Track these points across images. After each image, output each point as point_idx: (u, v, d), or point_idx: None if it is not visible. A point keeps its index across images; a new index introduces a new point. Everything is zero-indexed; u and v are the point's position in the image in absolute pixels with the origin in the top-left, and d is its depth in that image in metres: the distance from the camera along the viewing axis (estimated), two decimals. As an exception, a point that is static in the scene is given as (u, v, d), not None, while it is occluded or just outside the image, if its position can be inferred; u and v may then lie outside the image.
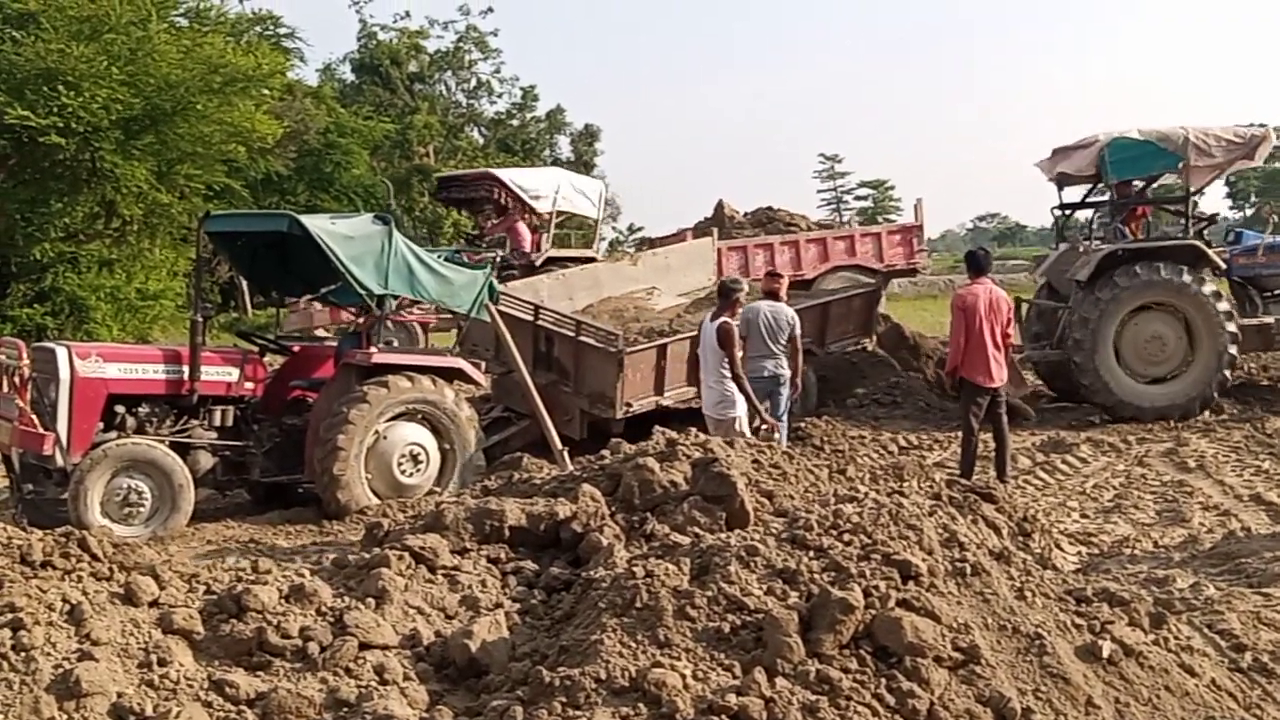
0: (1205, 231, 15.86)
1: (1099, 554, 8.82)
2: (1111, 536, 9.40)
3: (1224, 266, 15.05)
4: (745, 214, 27.37)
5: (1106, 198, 15.88)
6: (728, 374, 10.11)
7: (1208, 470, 11.65)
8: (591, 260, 20.01)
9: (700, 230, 25.16)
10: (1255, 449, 12.59)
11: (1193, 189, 15.32)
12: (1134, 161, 15.12)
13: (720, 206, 27.82)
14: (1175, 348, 14.50)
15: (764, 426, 10.14)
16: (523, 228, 22.51)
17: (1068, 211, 17.01)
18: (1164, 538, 9.27)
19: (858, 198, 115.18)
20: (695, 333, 13.32)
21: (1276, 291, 15.50)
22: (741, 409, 10.12)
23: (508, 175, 22.37)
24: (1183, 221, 15.75)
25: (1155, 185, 17.00)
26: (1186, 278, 14.25)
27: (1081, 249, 15.21)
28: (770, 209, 27.07)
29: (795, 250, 22.54)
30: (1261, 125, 17.76)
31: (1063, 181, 16.09)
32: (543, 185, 20.98)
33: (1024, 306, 15.90)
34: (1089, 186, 16.28)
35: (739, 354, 10.16)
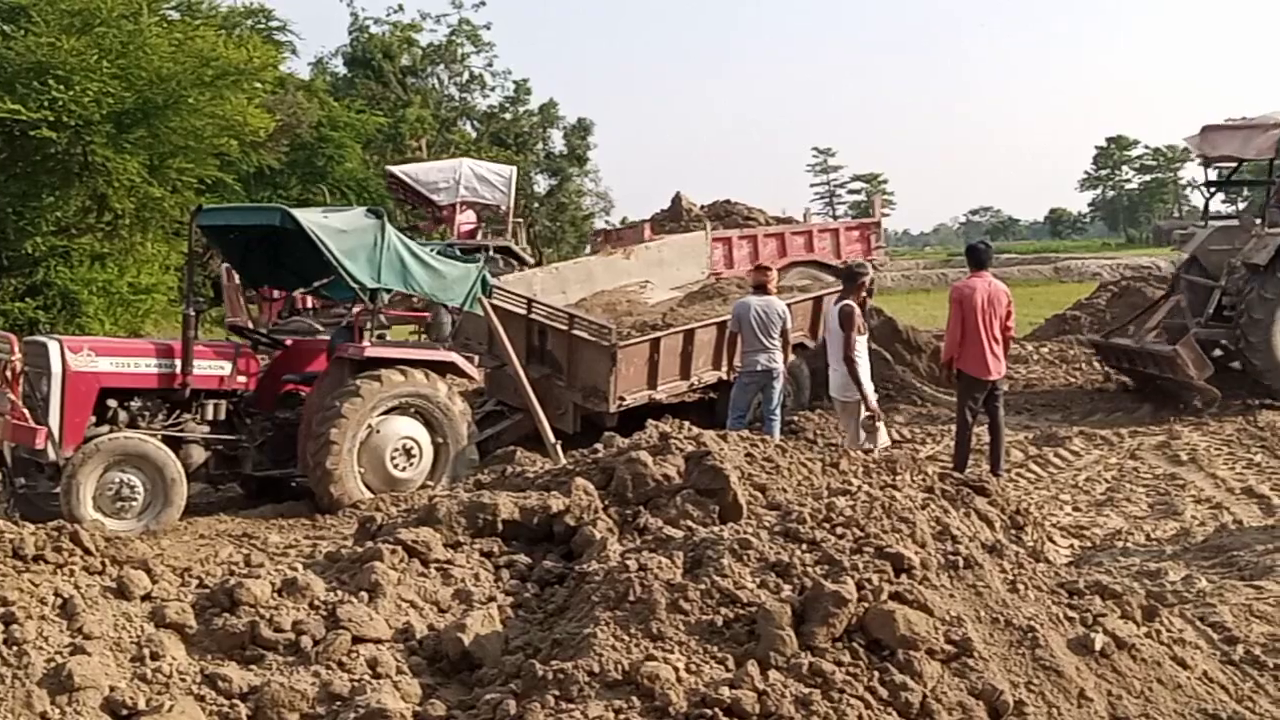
0: None
1: (1091, 547, 8.84)
2: (1104, 529, 9.42)
3: None
4: (703, 206, 27.08)
5: (1269, 178, 15.83)
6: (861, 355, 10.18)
7: (1200, 463, 11.67)
8: (506, 249, 19.63)
9: (657, 223, 25.00)
10: (1247, 442, 12.62)
11: None
12: None
13: (678, 199, 27.60)
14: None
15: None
16: (462, 220, 22.35)
17: (1215, 190, 16.97)
18: (1156, 531, 9.30)
19: (851, 191, 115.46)
20: (688, 326, 13.38)
21: None
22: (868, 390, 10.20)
23: (404, 171, 21.91)
24: None
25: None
26: None
27: (1254, 231, 15.12)
28: (728, 202, 26.73)
29: (753, 245, 22.21)
30: None
31: (1215, 160, 16.08)
32: (441, 178, 20.44)
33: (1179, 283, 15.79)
34: (1233, 166, 16.27)
35: (862, 337, 10.22)
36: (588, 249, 24.47)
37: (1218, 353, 15.01)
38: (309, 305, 18.21)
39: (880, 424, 10.37)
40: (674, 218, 25.60)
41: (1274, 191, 15.84)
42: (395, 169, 21.82)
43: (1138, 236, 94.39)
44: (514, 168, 21.77)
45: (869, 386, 10.25)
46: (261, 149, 30.71)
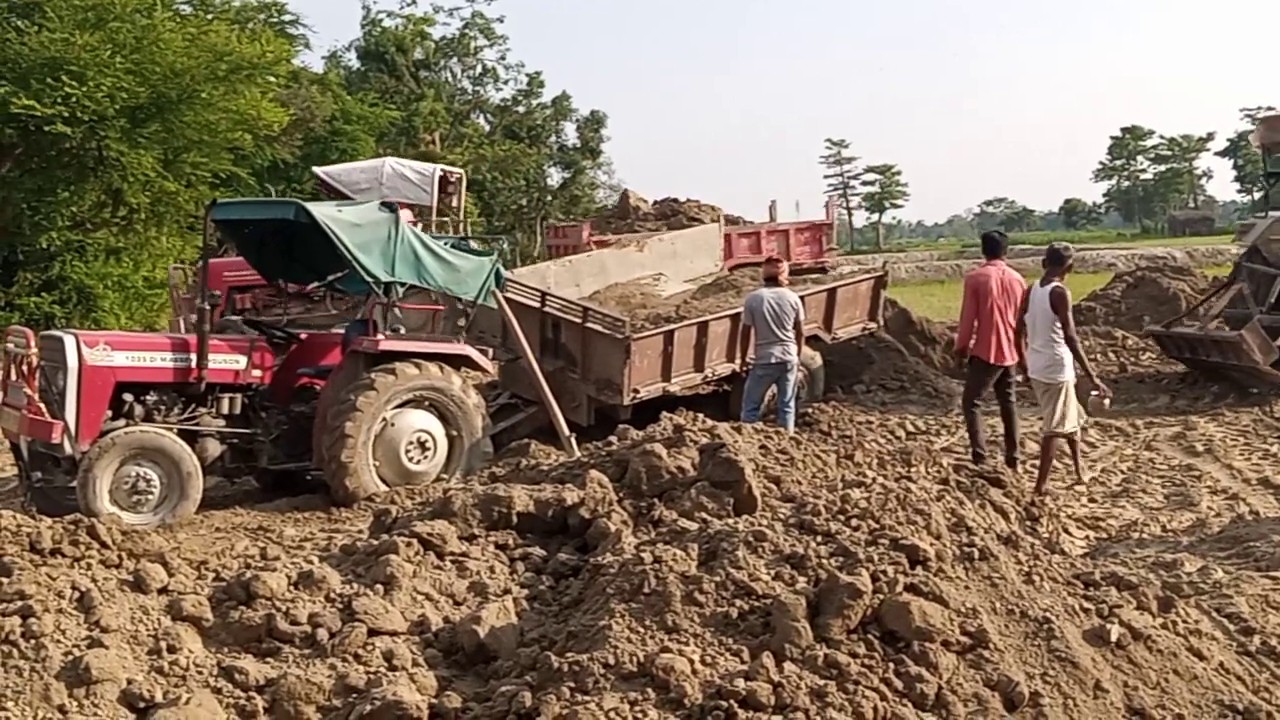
0: None
1: (1107, 538, 8.82)
2: (1119, 521, 9.40)
3: None
4: (655, 203, 26.81)
5: None
6: (1059, 338, 10.21)
7: (1216, 454, 11.63)
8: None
9: (602, 222, 24.84)
10: (1264, 433, 12.57)
11: None
12: None
13: (625, 197, 27.43)
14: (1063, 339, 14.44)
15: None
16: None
17: (1276, 180, 16.94)
18: (1172, 522, 9.27)
19: (864, 183, 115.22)
20: (702, 318, 13.38)
21: None
22: (1070, 374, 10.27)
23: (328, 172, 21.58)
24: None
25: None
26: None
27: None
28: (675, 201, 26.45)
29: None
30: None
31: (1274, 149, 16.04)
32: (364, 177, 20.09)
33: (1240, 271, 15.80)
34: None
35: (1069, 316, 10.29)
36: (539, 240, 24.26)
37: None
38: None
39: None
40: (621, 215, 25.43)
41: None
42: (320, 170, 21.50)
43: (1153, 227, 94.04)
44: (437, 166, 21.20)
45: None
46: (275, 143, 30.78)
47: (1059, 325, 10.19)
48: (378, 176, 19.20)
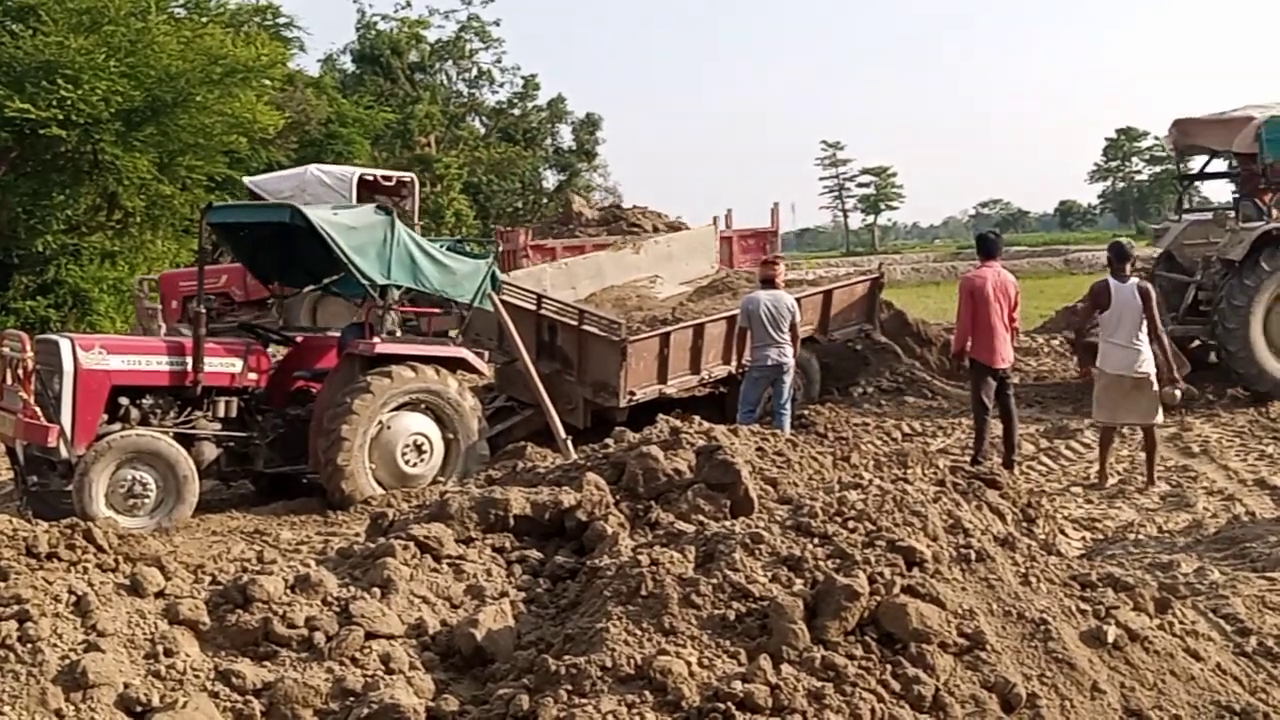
0: None
1: (1103, 539, 8.82)
2: (1116, 522, 9.40)
3: None
4: (600, 209, 26.65)
5: (1236, 172, 15.76)
6: (1144, 333, 10.42)
7: (1212, 455, 11.64)
8: None
9: (545, 228, 24.71)
10: (1259, 434, 12.58)
11: None
12: None
13: (568, 203, 27.43)
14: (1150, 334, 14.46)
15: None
16: None
17: (1188, 183, 16.92)
18: (1168, 523, 9.27)
19: (860, 185, 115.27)
20: (698, 320, 13.38)
21: None
22: (1151, 366, 10.47)
23: (254, 182, 21.36)
24: None
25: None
26: None
27: (1228, 226, 15.06)
28: (617, 207, 26.32)
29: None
30: None
31: (1187, 153, 16.00)
32: (288, 185, 19.84)
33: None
34: (1205, 158, 16.19)
35: (1156, 312, 10.49)
36: (492, 238, 24.07)
37: (1195, 344, 15.03)
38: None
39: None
40: (564, 221, 25.37)
41: (1246, 185, 15.77)
42: (249, 180, 21.37)
43: (1148, 228, 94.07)
44: (357, 170, 20.97)
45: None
46: (271, 146, 30.76)
47: (1147, 321, 10.38)
48: (300, 184, 19.03)
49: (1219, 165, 16.49)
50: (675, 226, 24.08)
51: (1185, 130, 15.72)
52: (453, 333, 11.49)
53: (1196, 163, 17.19)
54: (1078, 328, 10.72)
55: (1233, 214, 15.34)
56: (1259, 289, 13.96)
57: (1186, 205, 17.45)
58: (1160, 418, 10.72)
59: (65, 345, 9.63)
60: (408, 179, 21.30)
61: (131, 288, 23.17)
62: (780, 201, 25.45)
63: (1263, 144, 14.78)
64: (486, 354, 11.82)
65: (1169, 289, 15.28)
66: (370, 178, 20.05)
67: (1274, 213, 15.03)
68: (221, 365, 10.20)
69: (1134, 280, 10.58)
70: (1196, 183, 17.78)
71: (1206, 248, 14.96)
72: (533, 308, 13.02)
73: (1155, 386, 10.52)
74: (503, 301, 11.88)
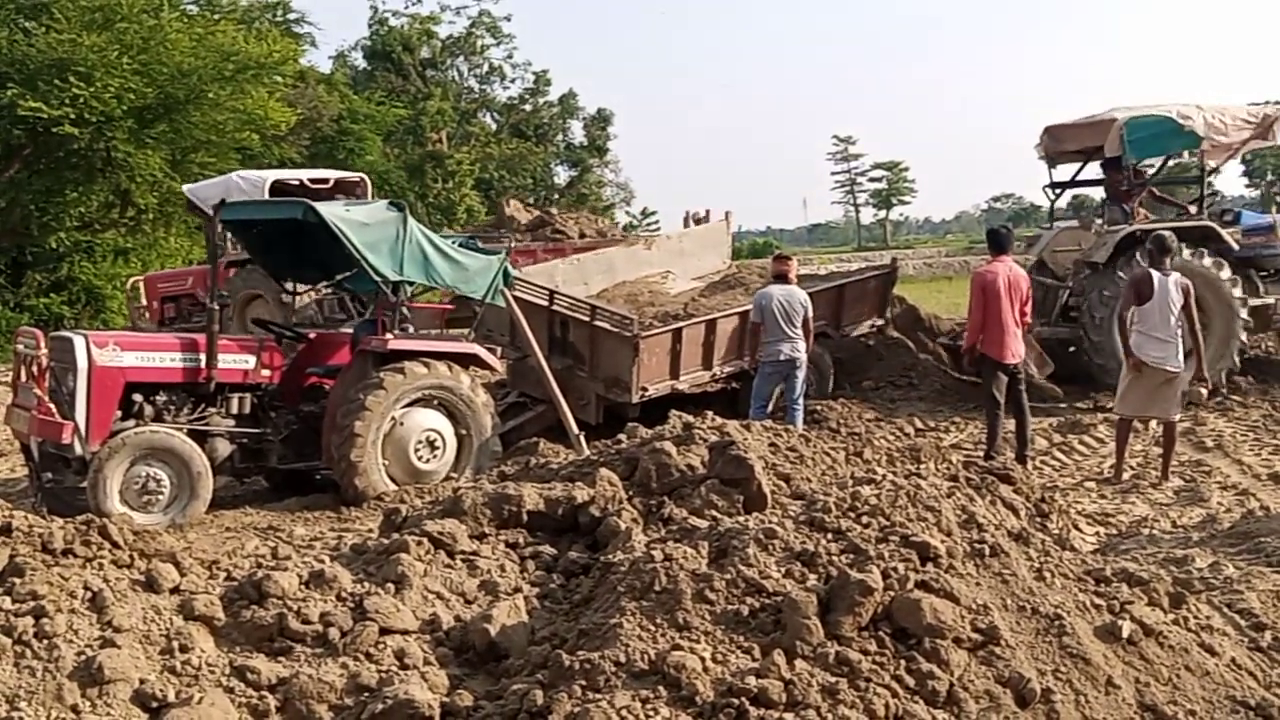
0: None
1: (1117, 534, 8.81)
2: (1130, 517, 9.39)
3: (1236, 248, 14.81)
4: (533, 215, 26.71)
5: (1104, 176, 15.68)
6: (1181, 327, 10.48)
7: (1226, 449, 11.62)
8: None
9: (479, 232, 24.66)
10: (1273, 428, 12.55)
11: (1208, 169, 15.19)
12: (1154, 140, 14.97)
13: (502, 208, 27.45)
14: (1188, 330, 14.44)
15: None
16: None
17: (1059, 190, 16.89)
18: (1182, 517, 9.26)
19: (872, 179, 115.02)
20: (710, 316, 13.38)
21: (1275, 271, 15.27)
22: (1182, 363, 10.53)
23: (190, 190, 21.10)
24: (1185, 202, 15.63)
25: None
26: (1206, 260, 14.11)
27: (1094, 229, 15.08)
28: (548, 213, 26.25)
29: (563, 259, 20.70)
30: (1276, 104, 17.63)
31: (1057, 160, 15.95)
32: (214, 192, 19.50)
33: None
34: (1079, 164, 16.11)
35: (1193, 308, 10.55)
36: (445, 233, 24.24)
37: (1073, 349, 15.11)
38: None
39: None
40: (496, 225, 25.41)
41: (1113, 188, 15.68)
42: (186, 188, 21.23)
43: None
44: (271, 173, 20.56)
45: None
46: (283, 142, 30.82)
47: (1186, 316, 10.40)
48: (225, 189, 18.83)
49: (1094, 172, 16.36)
50: (602, 232, 24.06)
51: (1056, 136, 15.65)
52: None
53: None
54: (1120, 318, 10.65)
55: (1099, 219, 15.39)
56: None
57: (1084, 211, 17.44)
58: (1180, 414, 10.70)
59: (79, 342, 9.65)
60: (355, 179, 20.30)
61: (127, 287, 23.21)
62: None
63: (1125, 146, 14.73)
64: (499, 350, 11.84)
65: (1041, 294, 15.30)
66: (295, 181, 19.12)
67: (1138, 215, 15.07)
68: (235, 362, 10.22)
69: (1176, 274, 10.53)
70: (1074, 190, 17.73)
71: (1075, 253, 14.97)
72: (545, 303, 13.03)
73: (1182, 383, 10.49)
74: (515, 297, 11.89)
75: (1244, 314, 14.17)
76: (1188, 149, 15.59)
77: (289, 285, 12.87)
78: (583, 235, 23.24)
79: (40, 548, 5.22)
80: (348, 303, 16.57)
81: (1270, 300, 14.83)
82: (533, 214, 25.92)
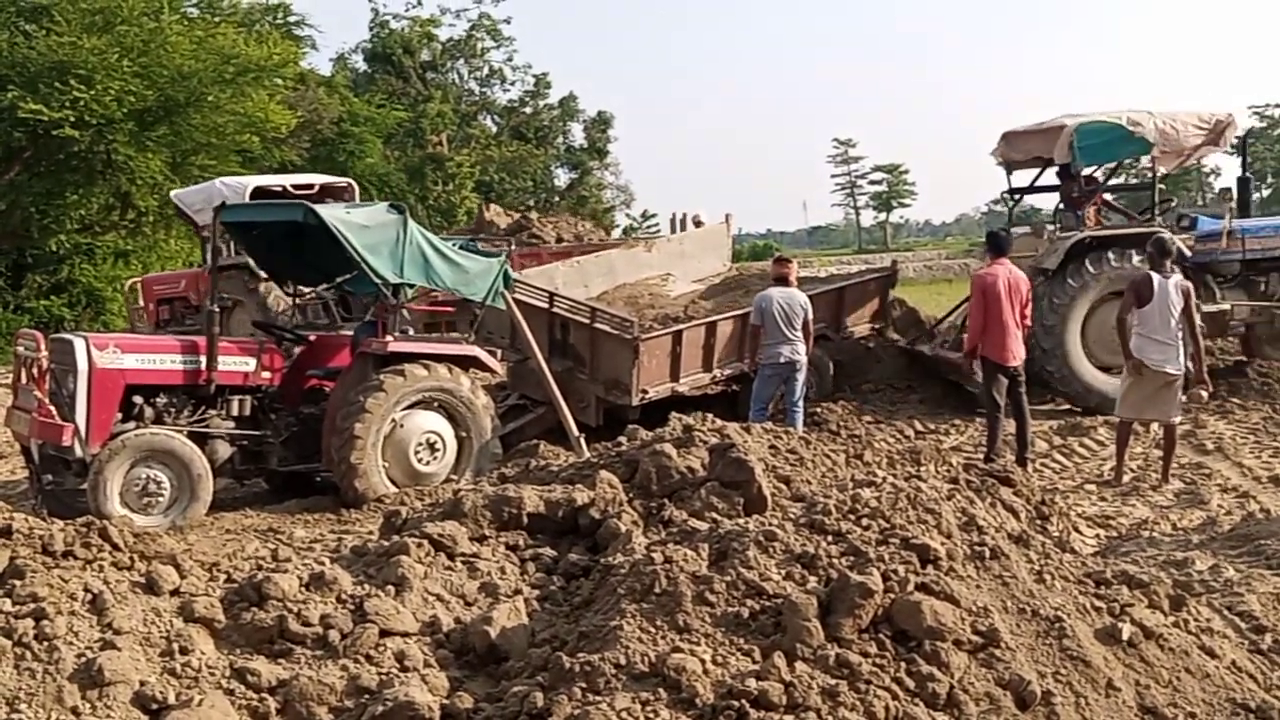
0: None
1: (1118, 537, 8.81)
2: (1130, 519, 9.39)
3: (1189, 254, 14.67)
4: (524, 215, 26.71)
5: (1060, 183, 15.66)
6: (1182, 331, 10.50)
7: (1226, 452, 11.61)
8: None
9: (447, 238, 24.67)
10: (1273, 430, 12.55)
11: (1160, 175, 15.22)
12: (1104, 147, 14.93)
13: (482, 211, 27.44)
14: (1188, 333, 14.40)
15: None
16: None
17: (1018, 196, 16.88)
18: (1183, 520, 9.25)
19: (872, 182, 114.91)
20: (710, 318, 13.37)
21: (1231, 277, 15.21)
22: (1183, 366, 10.54)
23: (177, 195, 21.00)
24: (1137, 208, 15.63)
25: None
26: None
27: (1046, 236, 15.03)
28: (525, 217, 26.28)
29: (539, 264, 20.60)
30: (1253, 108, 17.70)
31: (1014, 166, 15.94)
32: (199, 199, 19.33)
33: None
34: (1036, 171, 16.10)
35: (1194, 312, 10.58)
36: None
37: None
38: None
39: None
40: (476, 229, 25.45)
41: (1066, 194, 15.65)
42: (173, 194, 21.13)
43: (1162, 224, 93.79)
44: (253, 178, 20.36)
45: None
46: (283, 145, 30.82)
47: (1185, 319, 10.42)
48: (209, 196, 18.74)
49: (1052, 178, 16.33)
50: (579, 237, 24.06)
51: (1011, 143, 15.61)
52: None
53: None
54: (1120, 320, 10.63)
55: (1052, 225, 15.38)
56: (1074, 298, 13.99)
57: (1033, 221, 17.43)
58: (1180, 416, 10.70)
59: (80, 344, 9.66)
60: (342, 184, 19.88)
61: (126, 290, 23.19)
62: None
63: (1075, 152, 14.64)
64: (499, 352, 11.84)
65: None
66: (279, 187, 18.70)
67: (1090, 221, 15.05)
68: (235, 364, 10.22)
69: (1177, 277, 10.52)
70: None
71: (1030, 259, 14.94)
72: (545, 306, 13.03)
73: (1182, 385, 10.49)
74: (515, 300, 11.89)
75: (1199, 322, 14.12)
76: (1138, 154, 15.55)
77: (289, 288, 12.87)
78: (560, 240, 23.24)
79: (40, 550, 5.22)
80: (333, 308, 16.45)
81: (1226, 306, 14.73)
82: (512, 218, 25.97)
